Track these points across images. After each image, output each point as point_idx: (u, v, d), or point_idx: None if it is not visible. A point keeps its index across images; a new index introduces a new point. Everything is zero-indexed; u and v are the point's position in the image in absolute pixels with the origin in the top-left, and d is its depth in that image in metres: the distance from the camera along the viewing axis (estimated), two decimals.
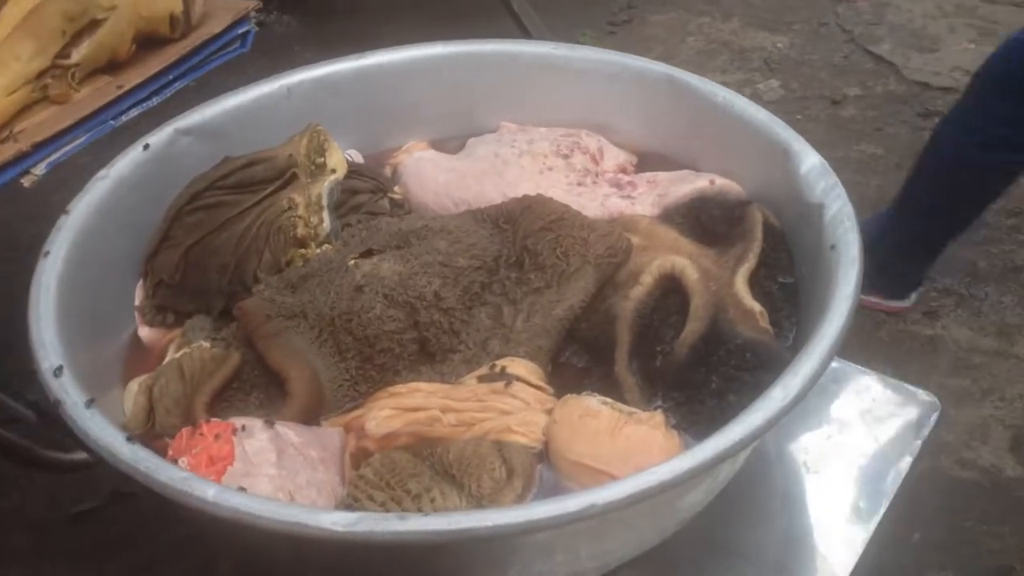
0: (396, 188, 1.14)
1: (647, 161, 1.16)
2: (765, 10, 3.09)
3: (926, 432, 0.97)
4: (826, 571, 0.87)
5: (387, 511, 0.76)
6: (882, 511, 0.90)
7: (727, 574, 0.88)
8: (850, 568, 0.87)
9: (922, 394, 1.01)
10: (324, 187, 1.03)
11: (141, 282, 1.03)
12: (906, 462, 0.95)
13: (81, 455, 1.51)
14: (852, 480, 0.94)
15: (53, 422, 1.07)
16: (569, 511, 0.67)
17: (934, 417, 0.98)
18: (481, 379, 0.90)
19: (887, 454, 0.95)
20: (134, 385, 0.92)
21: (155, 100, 1.18)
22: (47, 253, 0.92)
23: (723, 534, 0.90)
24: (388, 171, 1.18)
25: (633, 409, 0.85)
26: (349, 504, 0.79)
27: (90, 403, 0.78)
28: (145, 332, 1.00)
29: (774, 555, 0.89)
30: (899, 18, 2.99)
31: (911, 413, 0.99)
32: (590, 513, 0.67)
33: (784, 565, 0.88)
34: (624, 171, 1.15)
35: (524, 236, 0.99)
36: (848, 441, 0.97)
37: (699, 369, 0.87)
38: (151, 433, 0.87)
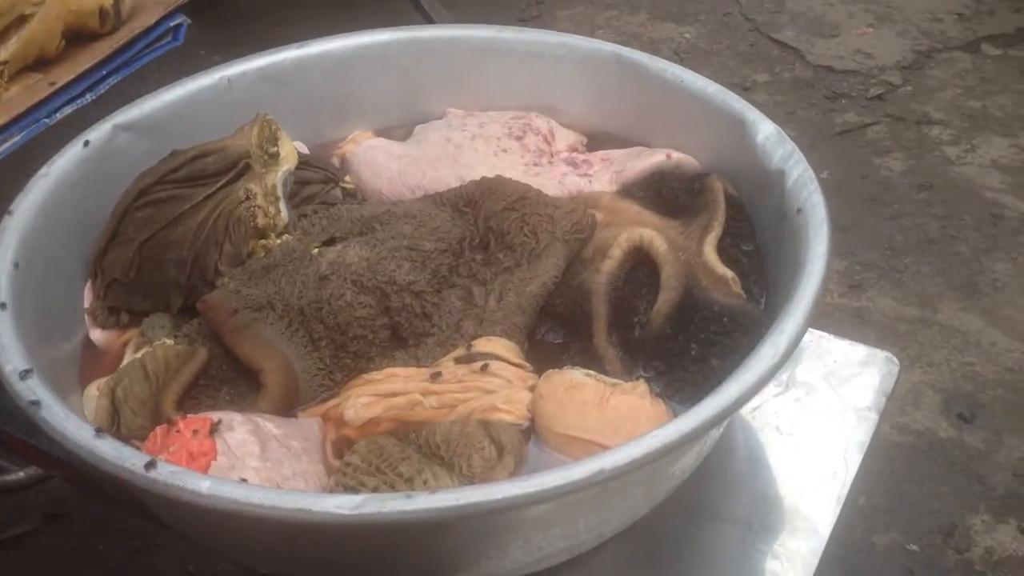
0: (347, 177, 1.11)
1: (597, 141, 1.17)
2: (671, 2, 3.15)
3: (890, 388, 1.00)
4: (808, 528, 0.89)
5: None
6: (856, 467, 0.93)
7: (711, 537, 0.89)
8: (832, 523, 0.88)
9: (880, 354, 1.04)
10: (278, 177, 1.00)
11: (90, 283, 0.98)
12: (873, 419, 0.97)
13: (14, 476, 1.45)
14: (824, 440, 0.96)
15: None
16: (578, 478, 0.67)
17: (895, 373, 1.01)
18: (458, 360, 0.89)
19: (856, 412, 0.97)
20: (93, 389, 0.88)
21: (89, 96, 1.13)
22: None
23: (703, 500, 0.91)
24: (336, 161, 1.16)
25: (616, 380, 0.85)
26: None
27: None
28: (97, 335, 0.96)
29: (756, 516, 0.90)
30: (799, 6, 3.08)
31: (873, 372, 1.02)
32: (599, 479, 0.67)
33: (765, 524, 0.90)
34: (576, 151, 1.15)
35: (487, 217, 0.98)
36: (816, 403, 0.99)
37: (678, 337, 0.87)
38: (117, 436, 0.83)
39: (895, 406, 1.69)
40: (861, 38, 2.93)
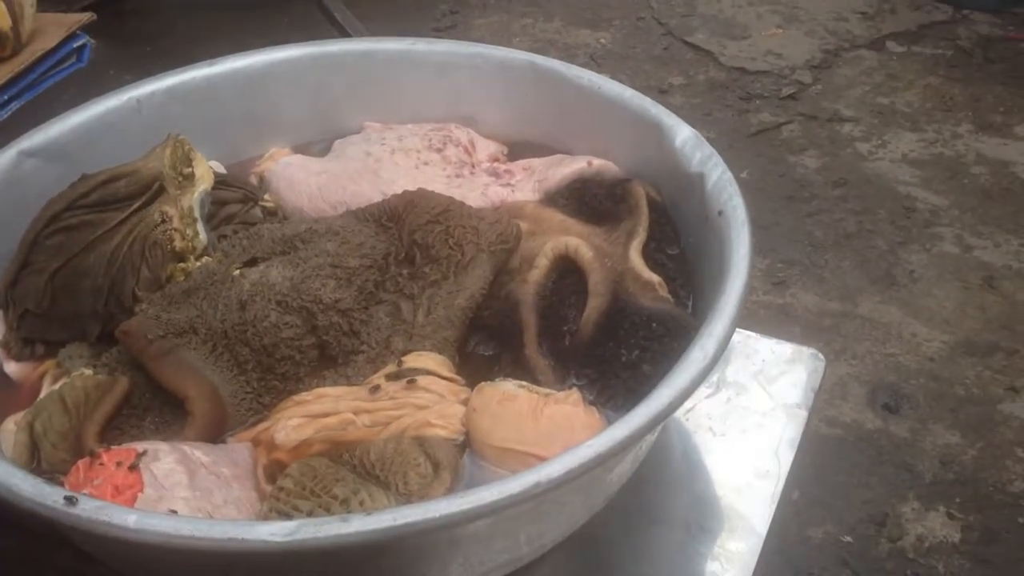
0: (267, 196, 1.09)
1: (518, 150, 1.17)
2: (584, 8, 3.18)
3: (816, 383, 1.01)
4: (745, 527, 0.90)
5: None
6: (789, 463, 0.94)
7: (652, 541, 0.89)
8: (768, 520, 0.89)
9: (806, 351, 1.05)
10: (195, 198, 0.98)
11: (1, 314, 0.95)
12: (803, 415, 0.99)
13: None
14: (756, 438, 0.97)
15: None
16: (515, 492, 0.66)
17: (821, 369, 1.03)
18: (389, 377, 0.88)
19: (785, 409, 0.99)
20: (10, 423, 0.85)
21: None
22: None
23: (642, 504, 0.91)
24: (254, 179, 1.14)
25: (549, 390, 0.85)
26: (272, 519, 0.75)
27: None
28: (12, 367, 0.92)
29: (693, 517, 0.91)
30: (709, 9, 3.14)
31: (799, 369, 1.04)
32: (536, 491, 0.67)
33: (703, 526, 0.90)
34: (497, 161, 1.15)
35: (411, 231, 0.97)
36: (746, 402, 1.01)
37: (607, 344, 0.87)
38: (37, 471, 0.80)
39: (822, 400, 1.73)
40: (771, 39, 2.99)
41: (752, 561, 0.87)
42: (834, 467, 1.68)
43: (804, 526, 1.58)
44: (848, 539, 1.59)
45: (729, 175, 0.94)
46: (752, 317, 1.92)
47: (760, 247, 2.13)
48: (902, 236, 2.20)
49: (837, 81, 2.78)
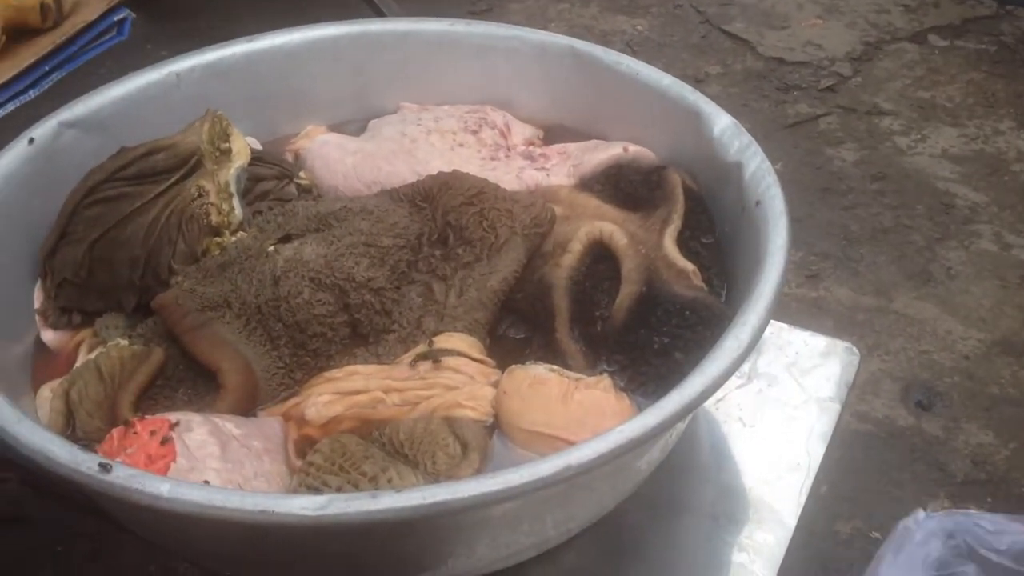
0: (302, 173, 1.10)
1: (553, 134, 1.16)
2: None
3: (850, 378, 1.00)
4: (774, 520, 0.89)
5: None
6: (820, 457, 0.93)
7: (679, 530, 0.89)
8: (797, 513, 0.89)
9: (840, 344, 1.04)
10: (231, 174, 0.98)
11: (40, 283, 0.96)
12: (835, 409, 0.98)
13: None
14: (787, 430, 0.96)
15: None
16: (544, 475, 0.67)
17: (855, 363, 1.02)
18: (419, 357, 0.88)
19: (817, 403, 0.98)
20: (46, 391, 0.86)
21: (32, 93, 1.10)
22: None
23: (670, 493, 0.91)
24: (290, 157, 1.15)
25: (579, 375, 0.85)
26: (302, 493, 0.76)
27: None
28: (49, 336, 0.93)
29: (721, 507, 0.90)
30: None
31: (833, 363, 1.03)
32: (566, 475, 0.67)
33: (731, 516, 0.90)
34: (532, 144, 1.14)
35: (445, 212, 0.97)
36: (778, 394, 1.00)
37: (640, 331, 0.87)
38: (72, 439, 0.81)
39: (854, 395, 1.71)
40: (811, 30, 2.95)
41: (780, 553, 0.86)
42: (864, 463, 1.66)
43: (832, 520, 1.56)
44: (877, 535, 1.57)
45: (767, 165, 0.94)
46: (785, 309, 1.90)
47: (794, 240, 2.08)
48: (940, 232, 2.17)
49: (877, 74, 2.74)
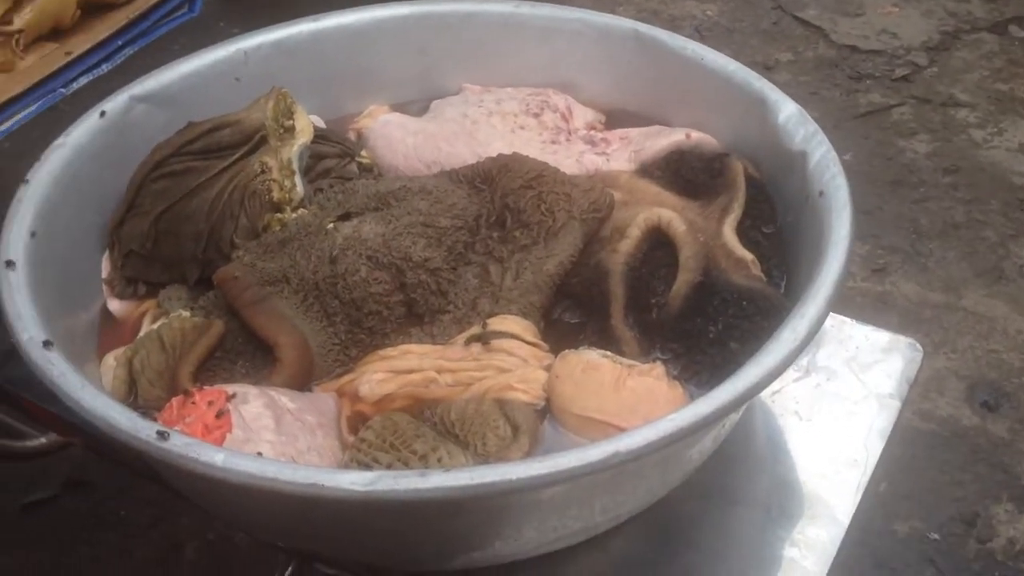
0: (363, 152, 1.11)
1: (615, 118, 1.15)
2: None
3: (913, 375, 0.98)
4: (828, 515, 0.88)
5: None
6: (878, 454, 0.91)
7: (730, 521, 0.88)
8: (852, 510, 0.87)
9: (903, 340, 1.02)
10: (294, 151, 0.99)
11: (107, 254, 0.98)
12: (896, 406, 0.96)
13: (35, 442, 1.46)
14: (845, 426, 0.95)
15: (11, 408, 1.02)
16: (594, 460, 0.66)
17: (918, 360, 1.00)
18: (473, 338, 0.88)
19: (877, 399, 0.96)
20: (110, 359, 0.88)
21: (105, 67, 1.12)
22: (10, 224, 0.87)
23: (722, 483, 0.90)
24: (352, 135, 1.15)
25: (632, 362, 0.84)
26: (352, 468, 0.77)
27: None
28: (115, 305, 0.96)
29: (774, 501, 0.89)
30: None
31: (895, 359, 1.01)
32: (615, 461, 0.67)
33: (784, 510, 0.89)
34: (594, 128, 1.14)
35: (504, 195, 0.97)
36: (836, 389, 0.98)
37: (695, 319, 0.86)
38: (133, 406, 0.83)
39: (917, 392, 1.68)
40: (886, 17, 2.89)
41: (833, 549, 0.85)
42: (925, 462, 1.63)
43: (890, 519, 1.54)
44: (935, 536, 1.54)
45: (833, 154, 0.92)
46: (848, 303, 1.87)
47: (861, 232, 2.06)
48: (1014, 228, 2.11)
49: (954, 64, 2.67)
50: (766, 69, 2.65)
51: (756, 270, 0.90)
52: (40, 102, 1.06)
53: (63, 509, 1.57)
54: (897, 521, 1.54)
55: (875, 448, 0.92)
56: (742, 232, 0.94)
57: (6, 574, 1.50)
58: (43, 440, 1.46)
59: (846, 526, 0.87)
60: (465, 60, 1.20)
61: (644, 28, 1.12)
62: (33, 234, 0.88)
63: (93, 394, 0.72)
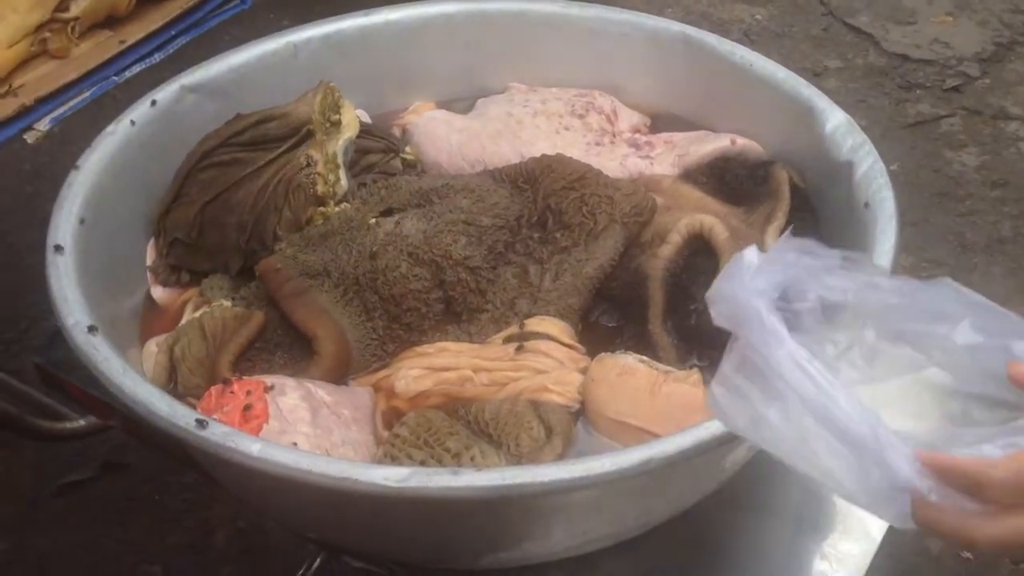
0: (407, 148, 1.11)
1: (661, 122, 1.15)
2: None
3: None
4: (860, 530, 0.87)
5: None
6: None
7: (760, 532, 0.87)
8: (884, 527, 0.86)
9: None
10: (340, 145, 1.00)
11: (152, 241, 1.00)
12: None
13: (75, 424, 1.48)
14: None
15: (54, 389, 1.04)
16: (626, 466, 0.66)
17: None
18: (511, 338, 0.88)
19: None
20: (152, 345, 0.90)
21: (158, 56, 1.14)
22: (60, 209, 0.89)
23: (754, 494, 0.90)
24: (397, 131, 1.16)
25: (669, 368, 0.84)
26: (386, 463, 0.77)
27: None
28: (159, 292, 0.97)
29: (806, 513, 0.88)
30: None
31: None
32: (647, 468, 0.66)
33: (816, 523, 0.88)
34: (639, 132, 1.13)
35: (546, 195, 0.97)
36: None
37: None
38: (173, 393, 0.84)
39: None
40: (939, 27, 2.84)
41: (864, 564, 0.84)
42: None
43: (923, 537, 1.51)
44: (968, 555, 1.52)
45: (881, 165, 0.91)
46: None
47: (906, 244, 2.03)
48: None
49: (1007, 76, 2.62)
50: (814, 75, 2.62)
51: None
52: (93, 89, 1.08)
53: (99, 491, 1.59)
54: (931, 539, 1.52)
55: None
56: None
57: (42, 554, 1.52)
58: (82, 422, 1.48)
59: (878, 541, 0.86)
60: (512, 59, 1.20)
61: (693, 32, 1.11)
62: (82, 220, 0.89)
63: (135, 380, 0.73)
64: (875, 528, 0.87)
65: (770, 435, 0.57)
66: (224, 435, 0.68)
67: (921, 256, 2.05)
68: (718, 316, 0.60)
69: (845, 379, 0.57)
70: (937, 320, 0.58)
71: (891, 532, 0.88)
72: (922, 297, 0.59)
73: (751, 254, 0.60)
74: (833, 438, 0.55)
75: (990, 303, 0.58)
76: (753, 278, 0.59)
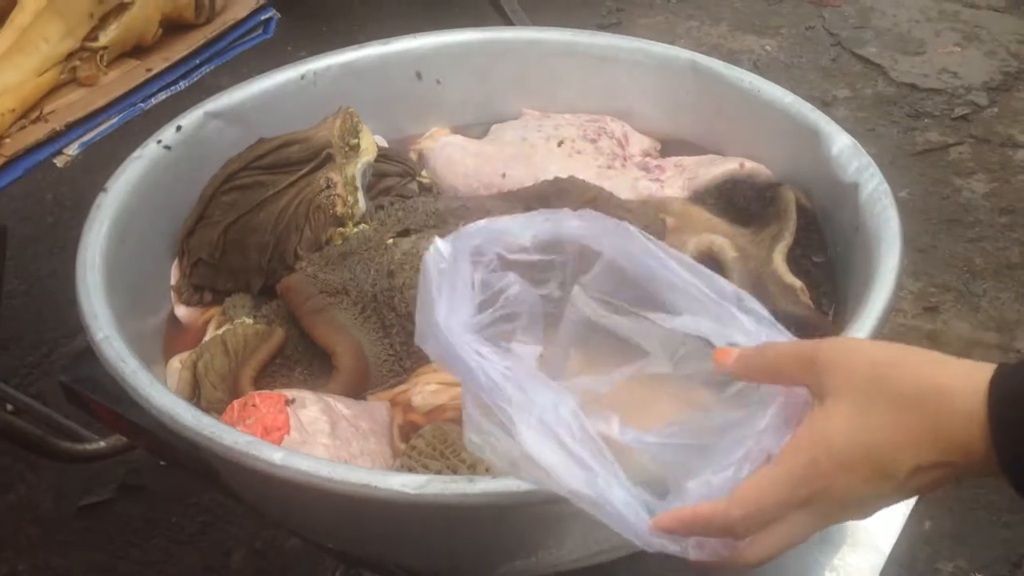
0: (423, 172, 1.14)
1: (670, 147, 1.17)
2: (752, 15, 3.13)
3: None
4: (869, 544, 0.88)
5: None
6: None
7: None
8: (893, 540, 0.88)
9: None
10: (358, 168, 1.03)
11: (176, 262, 1.03)
12: None
13: (95, 445, 1.51)
14: None
15: (79, 407, 1.06)
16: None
17: None
18: None
19: None
20: (176, 362, 0.92)
21: (182, 84, 1.18)
22: (89, 229, 0.92)
23: None
24: (413, 156, 1.19)
25: None
26: None
27: None
28: (182, 311, 1.00)
29: None
30: (884, 22, 3.04)
31: None
32: None
33: (824, 536, 0.89)
34: (649, 156, 1.16)
35: None
36: None
37: None
38: (197, 407, 0.87)
39: None
40: (947, 57, 2.87)
41: None
42: (972, 501, 1.61)
43: (934, 558, 1.52)
44: None
45: (885, 187, 0.93)
46: (899, 340, 1.85)
47: (914, 269, 2.06)
48: None
49: (1015, 105, 2.65)
50: (824, 105, 2.65)
51: (805, 298, 0.91)
52: (121, 115, 1.12)
53: (117, 512, 1.61)
54: (941, 560, 1.52)
55: None
56: (792, 260, 0.95)
57: (61, 574, 1.54)
58: (102, 444, 1.52)
59: (887, 555, 0.88)
60: (525, 86, 1.23)
61: (702, 59, 1.14)
62: (109, 239, 0.92)
63: (161, 391, 0.75)
64: (884, 543, 0.88)
65: (535, 471, 0.58)
66: (248, 443, 0.71)
67: (930, 281, 2.07)
68: (433, 358, 0.63)
69: (578, 386, 0.61)
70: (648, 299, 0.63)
71: (899, 547, 0.89)
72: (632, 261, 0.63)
73: (432, 258, 0.63)
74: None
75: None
76: (446, 309, 0.61)
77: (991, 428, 0.51)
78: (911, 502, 0.91)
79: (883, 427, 0.52)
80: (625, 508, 0.57)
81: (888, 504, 0.56)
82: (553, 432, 0.57)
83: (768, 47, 2.97)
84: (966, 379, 0.52)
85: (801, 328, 0.87)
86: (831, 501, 0.55)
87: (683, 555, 0.57)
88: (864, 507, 0.56)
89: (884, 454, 0.52)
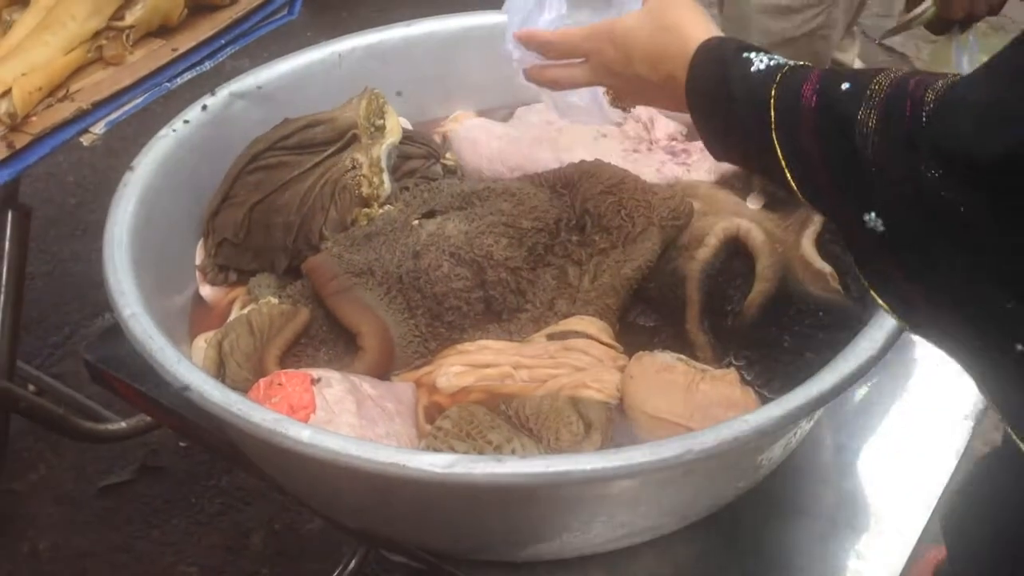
0: (448, 154, 1.14)
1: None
2: None
3: None
4: (893, 532, 0.88)
5: None
6: (951, 470, 0.91)
7: (794, 530, 0.88)
8: (920, 528, 0.87)
9: None
10: (383, 149, 1.03)
11: (202, 241, 1.03)
12: (968, 427, 0.95)
13: (116, 426, 1.51)
14: (916, 444, 0.94)
15: (103, 386, 1.07)
16: (666, 455, 0.68)
17: None
18: (550, 337, 0.90)
19: (951, 420, 0.96)
20: (201, 341, 0.92)
21: (208, 64, 1.17)
22: (116, 207, 0.92)
23: (788, 493, 0.91)
24: (438, 138, 1.18)
25: (706, 366, 0.86)
26: None
27: None
28: (207, 290, 1.00)
29: (841, 514, 0.89)
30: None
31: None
32: (687, 458, 0.68)
33: (850, 523, 0.89)
34: (675, 140, 1.15)
35: (584, 200, 0.99)
36: (910, 407, 0.98)
37: (770, 328, 0.87)
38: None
39: (991, 421, 1.65)
40: None
41: (898, 565, 0.85)
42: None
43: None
44: None
45: None
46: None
47: None
48: None
49: None
50: None
51: (835, 283, 0.90)
52: (147, 95, 1.12)
53: (137, 493, 1.62)
54: None
55: (947, 467, 0.91)
56: (821, 245, 0.94)
57: (81, 554, 1.55)
58: (123, 424, 1.52)
59: (913, 543, 0.87)
60: None
61: None
62: (136, 218, 0.92)
63: (188, 368, 0.75)
64: (909, 531, 0.88)
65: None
66: (276, 421, 0.70)
67: None
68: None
69: None
70: None
71: (926, 535, 0.89)
72: None
73: None
74: None
75: None
76: None
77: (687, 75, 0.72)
78: (937, 491, 0.90)
79: (644, 39, 0.76)
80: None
81: (641, 94, 0.80)
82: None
83: None
84: (701, 39, 0.72)
85: (831, 313, 0.86)
86: (600, 64, 0.80)
87: (512, 57, 0.87)
88: (618, 80, 0.80)
89: (635, 53, 0.76)
